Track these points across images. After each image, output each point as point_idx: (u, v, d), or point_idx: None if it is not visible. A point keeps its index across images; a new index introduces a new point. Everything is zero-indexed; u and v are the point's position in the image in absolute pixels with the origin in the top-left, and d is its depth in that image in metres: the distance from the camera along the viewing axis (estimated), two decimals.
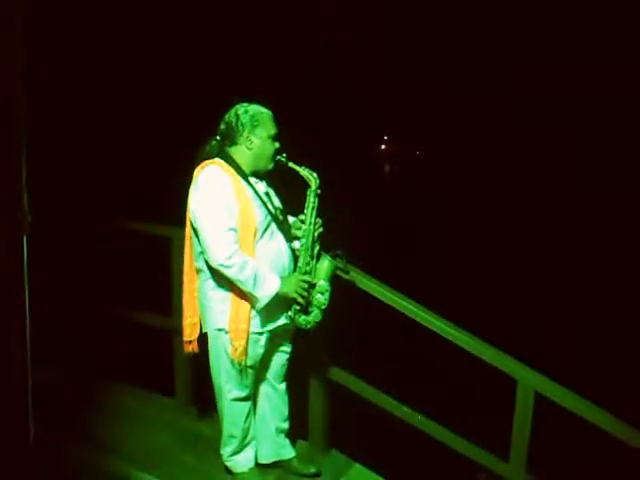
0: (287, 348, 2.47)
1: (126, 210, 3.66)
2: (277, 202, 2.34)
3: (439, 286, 7.41)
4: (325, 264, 2.23)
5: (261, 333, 2.26)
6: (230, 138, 2.21)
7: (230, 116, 2.21)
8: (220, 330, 2.25)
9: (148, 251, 3.37)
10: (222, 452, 2.47)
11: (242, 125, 2.18)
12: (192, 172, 2.23)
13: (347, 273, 2.36)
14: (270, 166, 2.25)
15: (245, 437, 2.42)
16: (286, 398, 2.54)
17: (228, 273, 2.10)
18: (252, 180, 2.22)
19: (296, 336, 2.46)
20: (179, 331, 2.96)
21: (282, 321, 2.30)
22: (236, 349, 2.20)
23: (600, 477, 3.28)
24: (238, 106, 2.22)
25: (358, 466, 2.69)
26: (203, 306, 2.30)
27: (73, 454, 2.61)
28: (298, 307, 2.20)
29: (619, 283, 7.73)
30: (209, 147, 2.24)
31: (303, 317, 2.23)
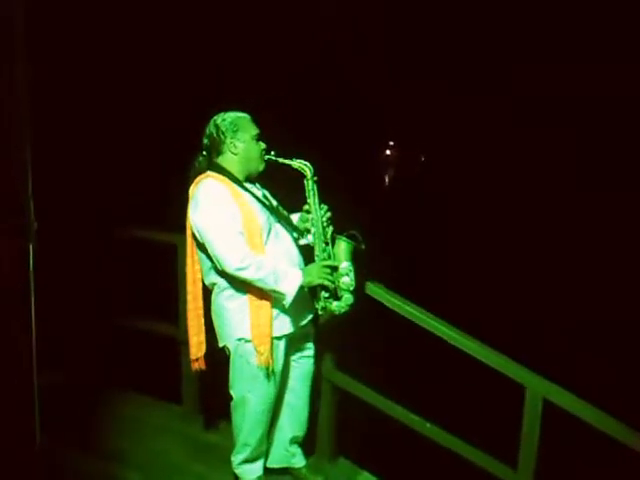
0: (309, 353, 2.44)
1: (129, 215, 3.65)
2: (275, 203, 2.36)
3: (440, 287, 7.43)
4: (342, 246, 2.20)
5: (280, 338, 2.24)
6: (215, 149, 2.23)
7: (210, 128, 2.23)
8: (240, 340, 2.22)
9: (155, 257, 3.36)
10: (233, 459, 2.44)
11: (223, 133, 2.20)
12: (187, 190, 2.24)
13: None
14: (261, 167, 2.26)
15: (259, 447, 2.41)
16: (308, 408, 2.51)
17: (246, 275, 2.08)
18: (247, 185, 2.23)
19: (318, 341, 2.45)
20: (186, 339, 2.96)
21: (303, 322, 2.29)
22: (262, 354, 2.18)
23: None
24: (215, 117, 2.25)
25: (366, 474, 2.68)
26: (220, 318, 2.28)
27: (80, 463, 2.61)
28: (327, 294, 2.17)
29: (619, 283, 7.73)
30: (198, 164, 2.25)
31: (335, 303, 2.18)
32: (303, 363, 2.44)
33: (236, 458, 2.42)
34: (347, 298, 2.18)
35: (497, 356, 2.32)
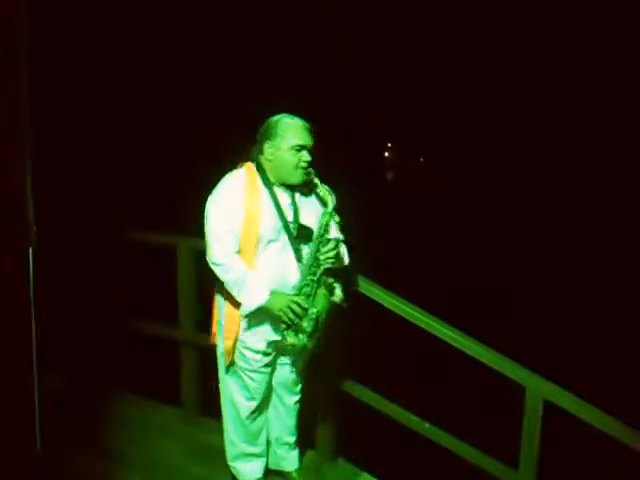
0: (296, 362, 2.40)
1: (129, 216, 3.65)
2: (307, 218, 2.20)
3: (440, 285, 7.43)
4: (322, 294, 2.14)
5: (254, 336, 2.24)
6: (258, 145, 2.20)
7: (264, 124, 2.19)
8: (219, 331, 2.30)
9: (157, 260, 3.36)
10: (226, 455, 2.50)
11: (265, 134, 2.16)
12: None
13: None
14: (295, 179, 2.13)
15: (246, 445, 2.43)
16: (294, 413, 2.50)
17: (216, 272, 2.16)
18: (277, 190, 2.17)
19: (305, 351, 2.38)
20: (186, 341, 2.97)
21: (276, 337, 2.23)
22: (227, 348, 2.25)
23: None
24: (275, 115, 2.18)
25: (366, 475, 2.68)
26: (217, 306, 2.36)
27: (80, 465, 2.61)
28: (284, 326, 2.13)
29: (619, 283, 7.73)
30: (250, 151, 2.23)
31: (290, 338, 2.13)
32: (287, 370, 2.41)
33: (227, 454, 2.49)
34: (300, 339, 2.12)
35: (497, 357, 2.32)
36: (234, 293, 2.14)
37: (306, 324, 2.10)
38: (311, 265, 2.12)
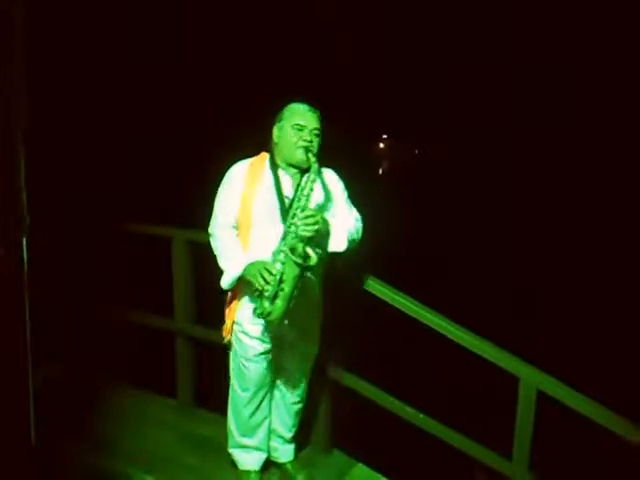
0: (301, 364, 2.41)
1: (125, 208, 3.66)
2: (311, 200, 2.13)
3: (438, 275, 7.45)
4: (292, 259, 2.04)
5: (251, 320, 2.23)
6: (271, 133, 2.30)
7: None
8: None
9: (151, 251, 3.37)
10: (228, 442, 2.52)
11: (274, 122, 2.28)
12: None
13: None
14: (295, 157, 2.17)
15: (245, 436, 2.44)
16: (293, 413, 2.50)
17: (211, 242, 2.28)
18: (281, 172, 2.22)
19: (308, 338, 2.36)
20: (181, 332, 2.97)
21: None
22: (227, 327, 2.32)
23: (603, 475, 3.28)
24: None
25: (361, 466, 2.69)
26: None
27: (74, 456, 2.62)
28: (257, 293, 2.09)
29: (620, 281, 7.75)
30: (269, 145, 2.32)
31: (264, 304, 2.05)
32: (290, 370, 2.42)
33: (228, 441, 2.51)
34: (274, 306, 2.04)
35: (491, 347, 2.32)
36: (220, 263, 2.23)
37: (272, 290, 2.04)
38: (287, 232, 2.09)
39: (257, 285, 2.07)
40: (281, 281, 2.05)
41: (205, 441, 2.77)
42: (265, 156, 2.28)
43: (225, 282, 2.21)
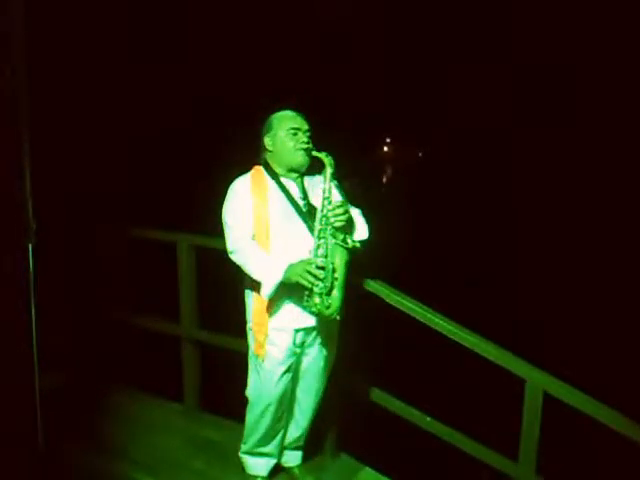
0: (319, 356, 2.36)
1: (129, 213, 3.66)
2: (317, 199, 2.16)
3: (440, 280, 7.45)
4: (335, 246, 2.08)
5: (281, 330, 2.22)
6: (262, 147, 2.29)
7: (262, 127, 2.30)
8: (248, 326, 2.30)
9: (158, 256, 3.38)
10: (241, 446, 2.51)
11: (262, 134, 2.27)
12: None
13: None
14: (297, 161, 2.20)
15: (261, 444, 2.43)
16: (309, 415, 2.48)
17: (235, 259, 2.18)
18: (284, 179, 2.23)
19: (329, 346, 2.36)
20: (187, 337, 2.98)
21: (304, 320, 2.21)
22: (259, 343, 2.23)
23: (611, 476, 3.27)
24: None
25: (368, 469, 2.68)
26: (246, 310, 2.35)
27: (81, 460, 2.62)
28: (307, 292, 2.08)
29: (619, 281, 7.75)
30: (257, 155, 2.32)
31: (317, 300, 2.06)
32: (310, 366, 2.37)
33: (241, 446, 2.50)
34: (326, 300, 2.06)
35: (497, 349, 2.32)
36: (254, 275, 2.13)
37: (328, 283, 2.06)
38: (321, 226, 2.10)
39: (307, 284, 2.05)
40: (333, 271, 2.07)
41: (211, 445, 2.77)
42: (259, 168, 2.26)
43: (267, 291, 2.12)
